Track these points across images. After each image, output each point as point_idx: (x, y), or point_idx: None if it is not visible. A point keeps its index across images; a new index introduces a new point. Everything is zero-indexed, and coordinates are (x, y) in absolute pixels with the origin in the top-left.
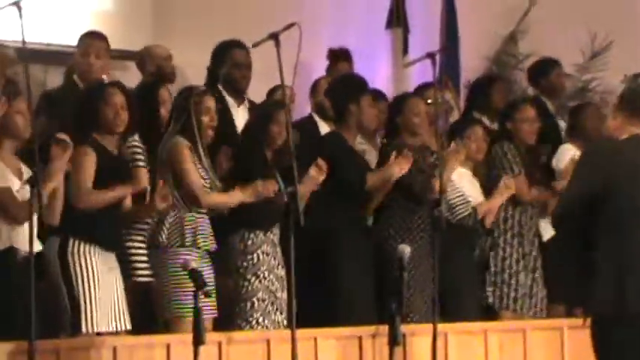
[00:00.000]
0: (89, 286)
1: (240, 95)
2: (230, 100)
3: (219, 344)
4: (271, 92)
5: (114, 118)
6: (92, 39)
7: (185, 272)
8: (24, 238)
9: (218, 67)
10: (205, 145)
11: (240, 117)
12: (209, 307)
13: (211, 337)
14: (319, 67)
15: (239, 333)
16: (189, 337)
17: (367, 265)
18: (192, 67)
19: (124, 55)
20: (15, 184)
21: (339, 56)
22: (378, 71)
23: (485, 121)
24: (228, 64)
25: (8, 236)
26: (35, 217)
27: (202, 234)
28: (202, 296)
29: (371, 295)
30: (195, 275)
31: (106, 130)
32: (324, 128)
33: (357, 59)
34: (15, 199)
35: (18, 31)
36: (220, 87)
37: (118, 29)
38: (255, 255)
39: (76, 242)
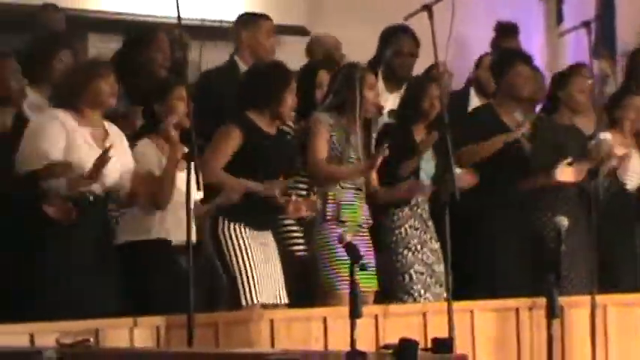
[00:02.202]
0: (243, 261)
1: (398, 82)
2: (382, 86)
3: (376, 317)
4: (429, 70)
5: (291, 104)
6: (264, 19)
7: (337, 246)
8: (175, 228)
9: (383, 50)
10: (362, 120)
11: (390, 105)
12: (368, 281)
13: (368, 310)
14: (472, 39)
15: (395, 306)
16: (345, 310)
17: (521, 237)
18: (343, 42)
19: (279, 30)
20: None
21: (506, 30)
22: (531, 41)
23: None
24: (392, 49)
25: (160, 226)
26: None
27: (348, 207)
28: (358, 269)
29: (525, 268)
30: (350, 248)
31: (269, 114)
32: (474, 102)
33: None
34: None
35: (173, 8)
36: (379, 71)
37: (273, 3)
38: (403, 229)
39: (226, 221)
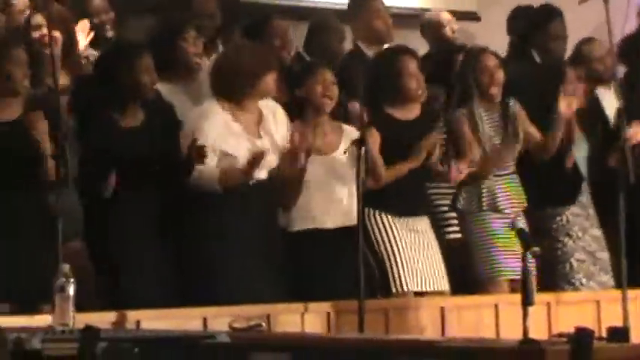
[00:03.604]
0: (392, 248)
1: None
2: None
3: (548, 305)
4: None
5: (416, 88)
6: (379, 2)
7: (495, 233)
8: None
9: (532, 34)
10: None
11: None
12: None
13: (540, 297)
14: None
15: (568, 294)
16: (517, 297)
17: None
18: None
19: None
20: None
21: None
22: None
23: None
24: (545, 34)
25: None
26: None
27: (503, 196)
28: (531, 257)
29: None
30: (522, 235)
31: (402, 100)
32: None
33: None
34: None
35: None
36: (534, 53)
37: None
38: (564, 216)
39: (371, 210)
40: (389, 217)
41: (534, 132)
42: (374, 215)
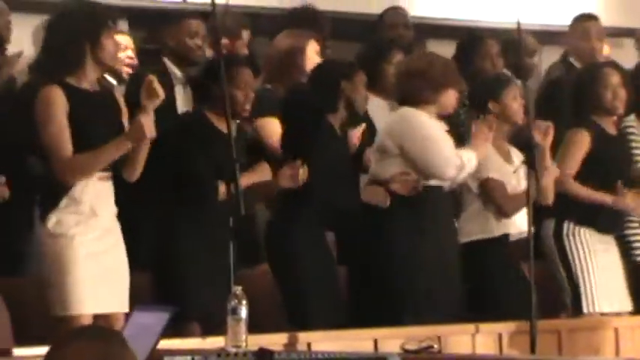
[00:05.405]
0: (587, 267)
1: None
2: None
3: None
4: None
5: (612, 100)
6: (589, 21)
7: None
8: (516, 222)
9: None
10: None
11: None
12: None
13: None
14: None
15: None
16: None
17: None
18: None
19: (618, 33)
20: (506, 169)
21: None
22: None
23: None
24: None
25: (503, 222)
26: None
27: None
28: None
29: None
30: None
31: (604, 112)
32: None
33: None
34: (507, 194)
35: (509, 13)
36: None
37: (613, 5)
38: None
39: (571, 225)
40: (587, 234)
41: None
42: (574, 232)
